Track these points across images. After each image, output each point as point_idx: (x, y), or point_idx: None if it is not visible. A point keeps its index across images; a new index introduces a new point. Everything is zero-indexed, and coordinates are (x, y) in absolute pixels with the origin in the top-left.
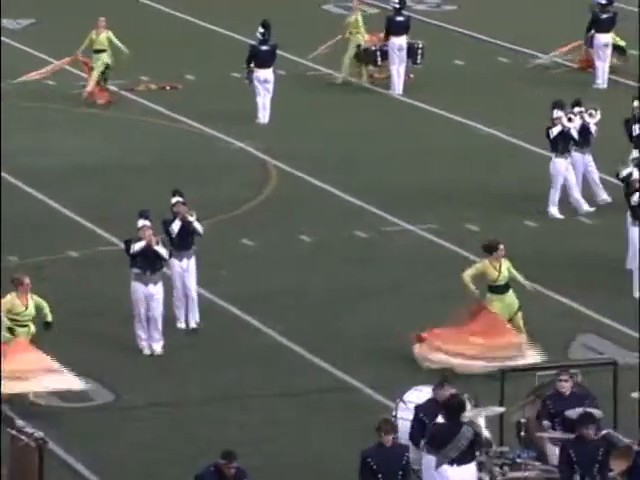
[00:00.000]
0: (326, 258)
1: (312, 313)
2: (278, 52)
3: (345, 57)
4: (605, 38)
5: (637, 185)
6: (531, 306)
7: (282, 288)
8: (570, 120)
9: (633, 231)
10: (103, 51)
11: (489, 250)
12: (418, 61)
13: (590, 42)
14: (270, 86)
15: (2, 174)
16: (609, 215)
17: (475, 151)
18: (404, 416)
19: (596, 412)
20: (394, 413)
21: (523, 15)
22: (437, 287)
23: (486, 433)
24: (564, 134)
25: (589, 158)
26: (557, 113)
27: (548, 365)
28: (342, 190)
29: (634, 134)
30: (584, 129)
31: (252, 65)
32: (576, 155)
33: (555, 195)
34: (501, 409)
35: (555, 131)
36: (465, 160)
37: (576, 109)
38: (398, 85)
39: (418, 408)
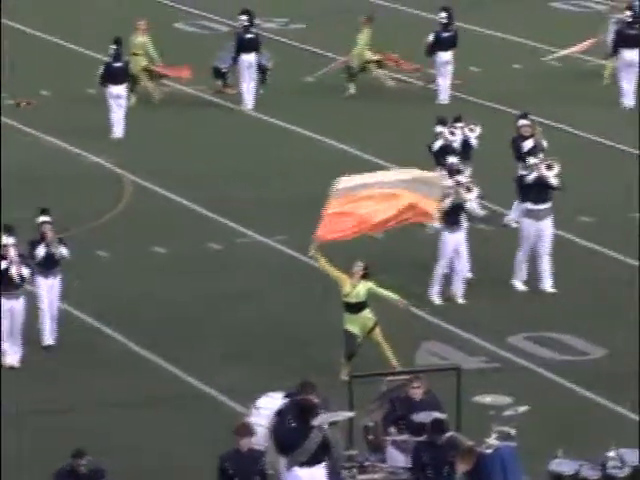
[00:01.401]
0: (180, 269)
1: (167, 322)
2: None
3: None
4: (446, 56)
5: (449, 190)
6: (382, 315)
7: (138, 299)
8: (452, 134)
9: (444, 237)
10: None
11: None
12: (267, 79)
13: (433, 60)
14: (123, 102)
15: None
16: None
17: (325, 166)
18: (257, 421)
19: (441, 416)
20: (248, 419)
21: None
22: (289, 297)
23: (336, 435)
24: (446, 148)
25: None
26: (439, 128)
27: (396, 371)
28: (196, 203)
29: (523, 151)
30: (465, 143)
31: (105, 81)
32: None
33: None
34: (350, 413)
35: (437, 145)
36: (315, 174)
37: (457, 124)
38: (249, 101)
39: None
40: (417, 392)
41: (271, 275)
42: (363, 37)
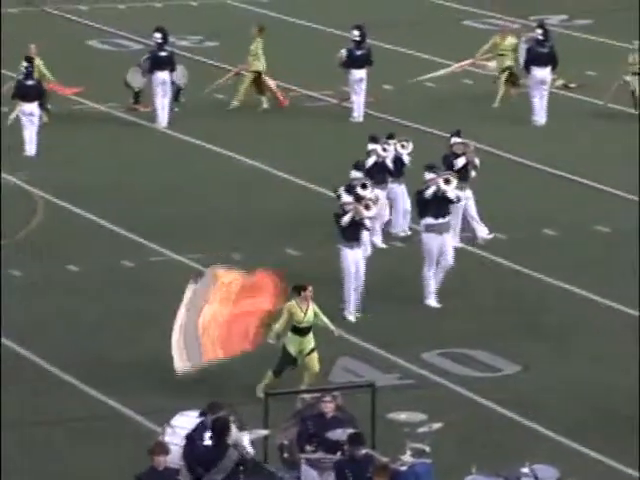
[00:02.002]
0: (94, 287)
1: (81, 341)
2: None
3: (243, 83)
4: (360, 73)
5: (349, 207)
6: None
7: (51, 317)
8: (385, 150)
9: (344, 254)
10: None
11: (297, 291)
12: (180, 97)
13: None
14: (35, 119)
15: None
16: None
17: (239, 182)
18: (172, 440)
19: (357, 431)
20: (162, 438)
21: (283, 50)
22: None
23: (250, 450)
24: (379, 165)
25: (404, 189)
26: (372, 146)
27: (310, 388)
28: (109, 220)
29: (455, 168)
30: (397, 160)
31: (17, 99)
32: (394, 187)
33: (378, 225)
34: (265, 431)
35: (370, 162)
36: (229, 191)
37: (390, 141)
38: (163, 118)
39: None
40: (328, 407)
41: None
42: (254, 48)
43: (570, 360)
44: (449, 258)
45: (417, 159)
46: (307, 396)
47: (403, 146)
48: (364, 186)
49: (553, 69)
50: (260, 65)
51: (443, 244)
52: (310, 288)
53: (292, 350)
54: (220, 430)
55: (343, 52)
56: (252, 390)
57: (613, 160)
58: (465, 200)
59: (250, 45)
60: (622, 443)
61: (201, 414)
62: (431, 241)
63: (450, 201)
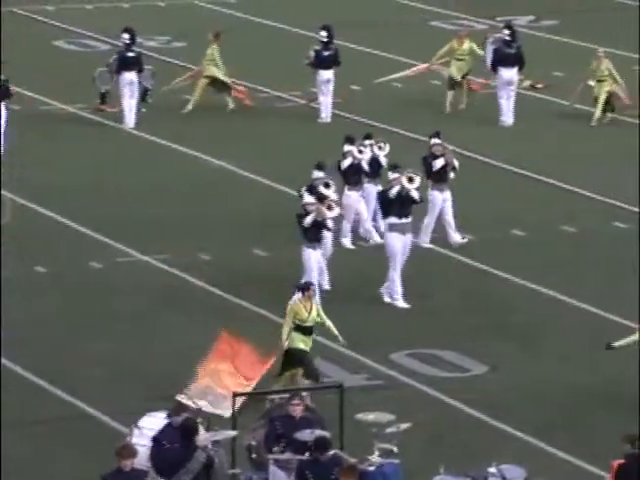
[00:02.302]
0: (62, 289)
1: (49, 343)
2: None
3: (197, 87)
4: (327, 74)
5: (311, 207)
6: (262, 333)
7: (19, 319)
8: (361, 152)
9: (307, 255)
10: None
11: (300, 290)
12: (147, 98)
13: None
14: (1, 121)
15: None
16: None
17: (206, 183)
18: (139, 442)
19: (324, 433)
20: (129, 439)
21: (251, 51)
22: (171, 316)
23: (221, 455)
24: (355, 166)
25: (375, 188)
26: (348, 147)
27: (279, 389)
28: (77, 221)
29: (434, 169)
30: (374, 161)
31: None
32: (369, 186)
33: (347, 226)
34: (233, 432)
35: (346, 163)
36: (197, 192)
37: (366, 142)
38: (130, 119)
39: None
40: (297, 409)
41: (152, 295)
42: (210, 53)
43: (538, 360)
44: (404, 259)
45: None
46: (275, 397)
47: (380, 147)
48: (327, 185)
49: (520, 70)
50: (216, 70)
51: (406, 244)
52: (313, 287)
53: (304, 346)
54: (187, 431)
55: (311, 53)
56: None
57: (580, 160)
58: (443, 202)
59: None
60: (589, 442)
61: (168, 415)
62: (395, 241)
63: (414, 201)
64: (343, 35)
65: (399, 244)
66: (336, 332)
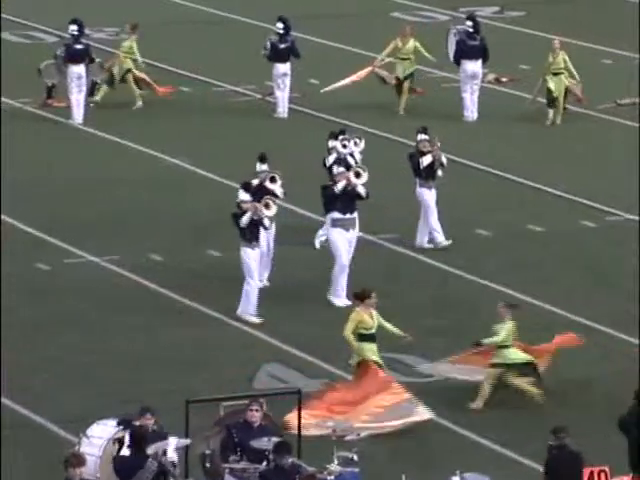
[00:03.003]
0: (8, 291)
1: None
2: None
3: (129, 82)
4: (284, 67)
5: (247, 206)
6: (216, 338)
7: None
8: (345, 147)
9: (245, 254)
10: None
11: (361, 298)
12: (96, 92)
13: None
14: None
15: None
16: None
17: (158, 181)
18: (88, 451)
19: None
20: (78, 448)
21: (205, 44)
22: (122, 320)
23: (174, 456)
24: (340, 162)
25: None
26: (332, 143)
27: (235, 395)
28: (22, 221)
29: (421, 166)
30: (350, 157)
31: None
32: None
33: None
34: (187, 441)
35: (331, 159)
36: (149, 190)
37: (340, 137)
38: (78, 114)
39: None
40: (255, 416)
41: (102, 297)
42: (128, 45)
43: None
44: (350, 257)
45: None
46: (231, 403)
47: (356, 143)
48: (273, 179)
49: (484, 63)
50: (131, 63)
51: (349, 240)
52: (374, 294)
53: (376, 358)
54: (139, 439)
55: (267, 44)
56: (172, 397)
57: (546, 158)
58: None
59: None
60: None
61: (119, 423)
62: (338, 236)
63: (359, 196)
64: (301, 27)
65: (342, 240)
66: (400, 332)
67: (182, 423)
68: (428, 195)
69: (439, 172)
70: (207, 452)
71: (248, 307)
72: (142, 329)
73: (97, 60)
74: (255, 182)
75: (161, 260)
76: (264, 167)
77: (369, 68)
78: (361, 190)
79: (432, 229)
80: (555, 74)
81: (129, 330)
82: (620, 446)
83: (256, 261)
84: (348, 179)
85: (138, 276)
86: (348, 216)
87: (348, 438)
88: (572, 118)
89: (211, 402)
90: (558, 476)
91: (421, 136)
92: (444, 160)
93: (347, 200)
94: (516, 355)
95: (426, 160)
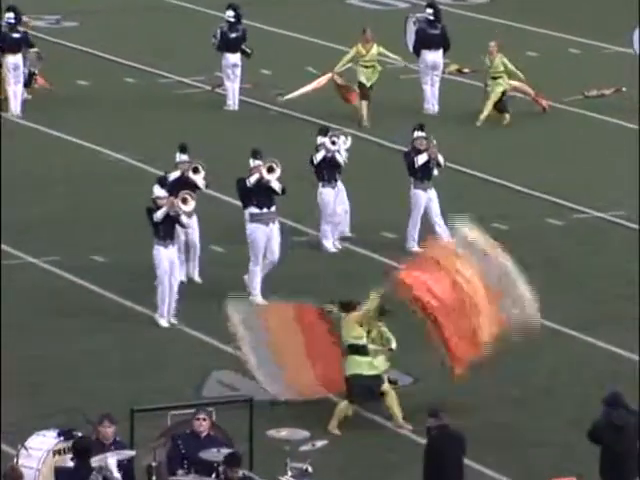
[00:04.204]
0: None
1: None
2: None
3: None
4: (234, 58)
5: (163, 201)
6: (163, 343)
7: None
8: (334, 143)
9: (158, 253)
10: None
11: (347, 309)
12: (33, 84)
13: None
14: None
15: None
16: None
17: (101, 177)
18: (26, 463)
19: (233, 451)
20: (16, 460)
21: (152, 33)
22: (62, 324)
23: (117, 476)
24: (328, 160)
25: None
26: (321, 139)
27: (182, 404)
28: None
29: (416, 165)
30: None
31: None
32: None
33: (326, 227)
34: (131, 452)
35: (319, 157)
36: (91, 187)
37: (329, 133)
38: (15, 107)
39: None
40: (203, 426)
41: (41, 300)
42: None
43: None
44: (275, 252)
45: (302, 152)
46: (179, 412)
47: (344, 141)
48: (196, 170)
49: (445, 52)
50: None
51: (270, 236)
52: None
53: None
54: (82, 451)
55: (217, 33)
56: (116, 406)
57: (510, 153)
58: (429, 201)
59: None
60: (522, 459)
61: (59, 434)
62: (256, 232)
63: (274, 192)
64: (252, 14)
65: (261, 235)
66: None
67: (127, 433)
68: (422, 197)
69: (435, 172)
70: (153, 464)
71: (161, 307)
72: (83, 333)
73: (34, 50)
74: (176, 174)
75: (104, 261)
76: (184, 157)
77: (329, 75)
78: (275, 185)
79: (410, 233)
80: (494, 78)
81: (69, 335)
82: (588, 453)
83: (169, 261)
84: (261, 173)
85: (79, 278)
86: (265, 211)
87: (302, 449)
88: (537, 110)
89: (158, 411)
90: (441, 457)
91: (417, 133)
92: (441, 159)
93: (263, 195)
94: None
95: (421, 159)
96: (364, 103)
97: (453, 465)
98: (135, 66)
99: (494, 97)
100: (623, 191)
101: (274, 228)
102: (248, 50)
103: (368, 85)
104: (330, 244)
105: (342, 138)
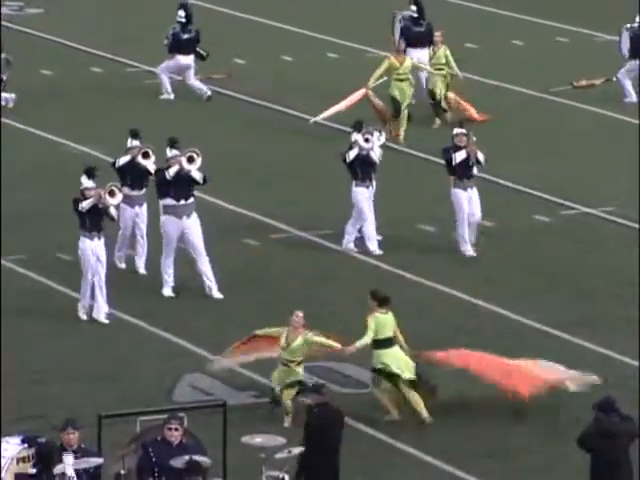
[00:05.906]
0: None
1: None
2: None
3: None
4: (187, 60)
5: (90, 193)
6: (132, 346)
7: None
8: (367, 141)
9: (83, 244)
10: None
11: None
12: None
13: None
14: None
15: None
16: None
17: (67, 171)
18: None
19: (204, 460)
20: None
21: (122, 22)
22: (28, 326)
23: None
24: (361, 158)
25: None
26: (354, 136)
27: (151, 409)
28: None
29: (454, 162)
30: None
31: None
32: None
33: (355, 226)
34: (99, 460)
35: (352, 155)
36: (56, 181)
37: (363, 130)
38: None
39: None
40: (174, 434)
41: (6, 301)
42: None
43: (451, 372)
44: (197, 245)
45: (275, 144)
46: (148, 418)
47: (378, 138)
48: (146, 155)
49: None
50: None
51: (186, 228)
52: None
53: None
54: (45, 457)
55: (168, 33)
56: (83, 412)
57: (495, 147)
58: (469, 203)
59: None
60: (506, 466)
61: (23, 440)
62: (170, 225)
63: (195, 182)
64: (224, 1)
65: (174, 228)
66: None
67: (94, 440)
68: (463, 196)
69: (475, 170)
70: (122, 472)
71: (83, 300)
72: (50, 336)
73: (3, 55)
74: (126, 158)
75: (71, 259)
76: (135, 143)
77: (362, 91)
78: (196, 175)
79: (460, 235)
80: (437, 69)
81: (37, 337)
82: (578, 460)
83: (94, 255)
84: (180, 164)
85: (45, 278)
86: (182, 203)
87: (278, 456)
88: (523, 102)
89: (126, 417)
90: (321, 434)
91: (457, 130)
92: (481, 157)
93: (181, 186)
94: (390, 359)
95: (459, 156)
96: (398, 119)
97: (334, 441)
98: (102, 55)
99: (440, 92)
100: (619, 186)
101: (191, 220)
102: (203, 52)
103: (401, 102)
104: (351, 244)
105: (376, 134)
